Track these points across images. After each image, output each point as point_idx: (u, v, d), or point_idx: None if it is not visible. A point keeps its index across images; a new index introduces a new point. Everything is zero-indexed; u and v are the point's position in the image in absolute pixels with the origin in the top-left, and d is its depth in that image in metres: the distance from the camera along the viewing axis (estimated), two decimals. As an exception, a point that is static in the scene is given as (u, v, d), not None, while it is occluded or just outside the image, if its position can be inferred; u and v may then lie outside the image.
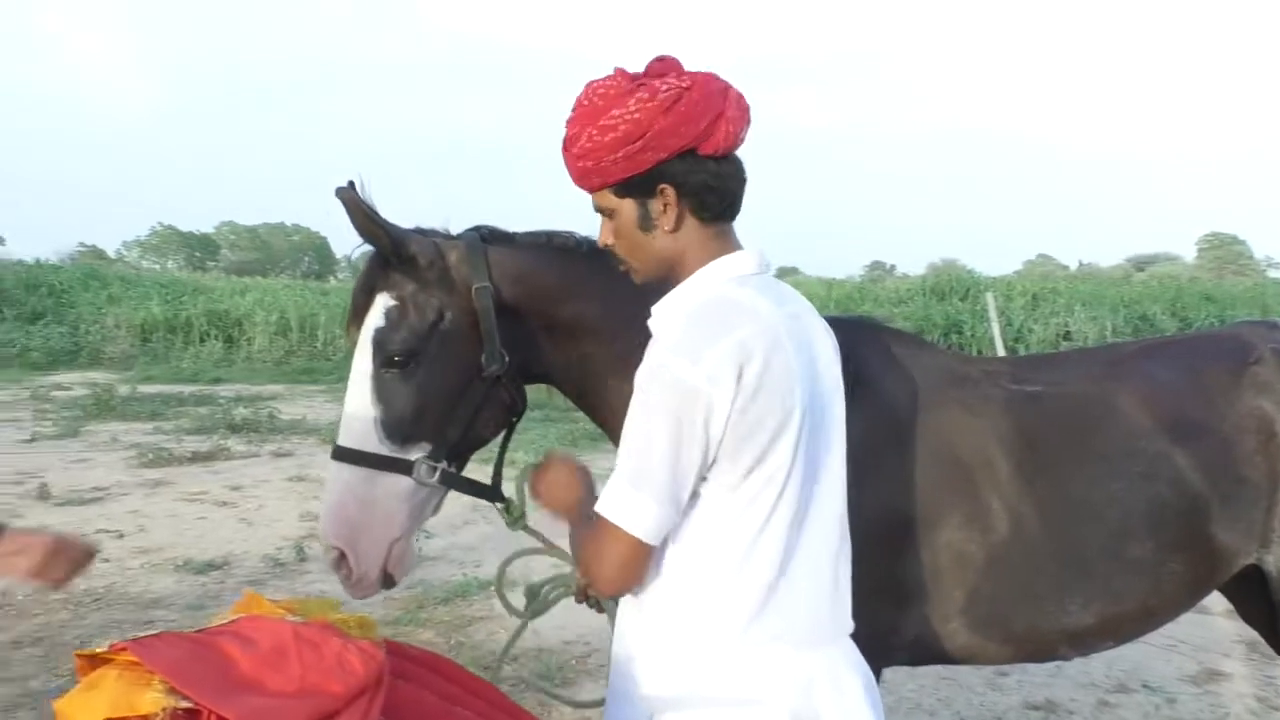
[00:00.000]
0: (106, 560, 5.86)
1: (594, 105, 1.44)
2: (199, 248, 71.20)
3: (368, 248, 1.79)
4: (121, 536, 6.35)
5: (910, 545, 1.85)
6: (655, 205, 1.45)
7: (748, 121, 1.46)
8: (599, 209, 1.52)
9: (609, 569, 1.35)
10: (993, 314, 14.11)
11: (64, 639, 4.60)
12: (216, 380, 15.12)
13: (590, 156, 1.44)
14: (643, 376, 1.35)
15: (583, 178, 1.49)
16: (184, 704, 1.03)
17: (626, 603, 1.45)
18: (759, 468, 1.33)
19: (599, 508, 1.36)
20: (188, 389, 13.75)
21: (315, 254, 71.26)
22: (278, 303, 20.34)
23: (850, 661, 1.45)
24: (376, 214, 1.72)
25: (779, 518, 1.35)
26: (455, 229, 1.88)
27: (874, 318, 2.27)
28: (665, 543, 1.36)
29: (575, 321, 1.83)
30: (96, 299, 21.14)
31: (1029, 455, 1.91)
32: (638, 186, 1.44)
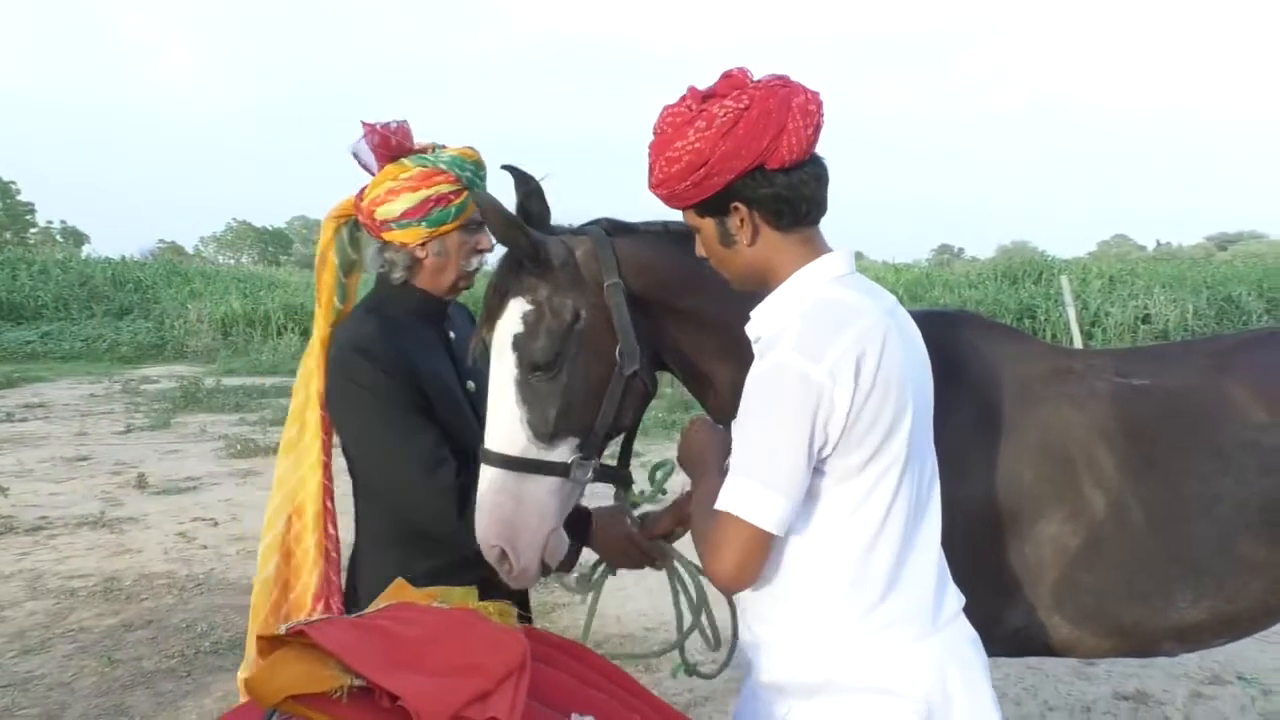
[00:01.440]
0: (205, 547, 6.13)
1: (664, 134, 1.51)
2: (272, 242, 72.97)
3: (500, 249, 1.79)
4: (216, 524, 6.63)
5: (1014, 537, 1.87)
6: (732, 222, 1.51)
7: (816, 126, 1.48)
8: (689, 226, 1.60)
9: (730, 561, 1.38)
10: (1068, 297, 13.77)
11: (171, 622, 4.83)
12: (294, 372, 15.49)
13: (664, 186, 1.51)
14: (762, 373, 1.40)
15: (667, 203, 1.56)
16: (358, 682, 1.12)
17: (748, 597, 1.50)
18: (876, 459, 1.39)
19: (720, 503, 1.39)
20: (268, 381, 14.19)
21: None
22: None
23: (969, 638, 1.51)
24: (516, 218, 1.73)
25: (897, 507, 1.41)
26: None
27: (975, 313, 2.28)
28: (785, 536, 1.41)
29: (694, 310, 1.85)
30: (179, 294, 21.86)
31: (1136, 450, 1.90)
32: (712, 207, 1.51)
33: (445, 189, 1.98)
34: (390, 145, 2.02)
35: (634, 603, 4.87)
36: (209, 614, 4.91)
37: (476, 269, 2.07)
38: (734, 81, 1.49)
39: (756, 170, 1.45)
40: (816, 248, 1.53)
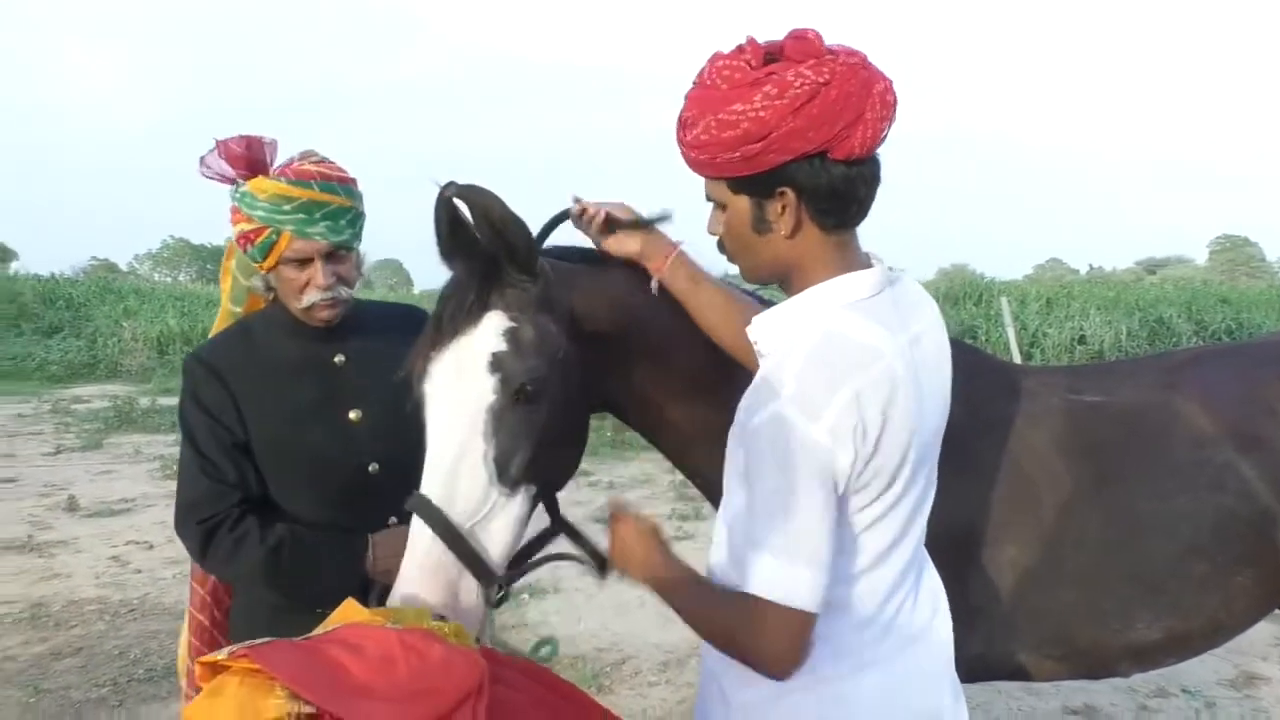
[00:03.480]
0: (139, 571, 5.91)
1: (716, 90, 1.30)
2: (210, 260, 71.44)
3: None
4: (151, 548, 6.40)
5: (974, 561, 1.82)
6: (773, 207, 1.33)
7: (892, 120, 1.32)
8: (710, 198, 1.41)
9: (781, 649, 1.25)
10: (1008, 318, 14.05)
11: (102, 649, 4.64)
12: (234, 391, 15.14)
13: (705, 149, 1.32)
14: (764, 425, 1.24)
15: (698, 166, 1.37)
16: (306, 709, 1.06)
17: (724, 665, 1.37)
18: (872, 506, 1.29)
19: (755, 588, 1.23)
20: (206, 400, 13.79)
21: (326, 265, 71.35)
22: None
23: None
24: (514, 213, 1.46)
25: (887, 548, 1.34)
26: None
27: None
28: None
29: (659, 348, 1.68)
30: (113, 312, 21.22)
31: (1092, 468, 1.88)
32: (755, 185, 1.32)
33: (245, 227, 1.87)
34: (235, 160, 1.90)
35: (585, 622, 4.80)
36: (143, 640, 4.73)
37: (326, 301, 1.91)
38: (809, 46, 1.29)
39: (817, 156, 1.28)
40: (848, 259, 1.36)
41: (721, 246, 1.45)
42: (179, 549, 6.67)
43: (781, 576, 1.22)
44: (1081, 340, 16.58)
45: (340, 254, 1.92)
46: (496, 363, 1.47)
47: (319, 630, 1.27)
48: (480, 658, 1.26)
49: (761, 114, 1.25)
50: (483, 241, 1.46)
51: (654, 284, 1.65)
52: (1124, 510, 1.87)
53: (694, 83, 1.36)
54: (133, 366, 17.76)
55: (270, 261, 1.89)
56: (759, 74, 1.28)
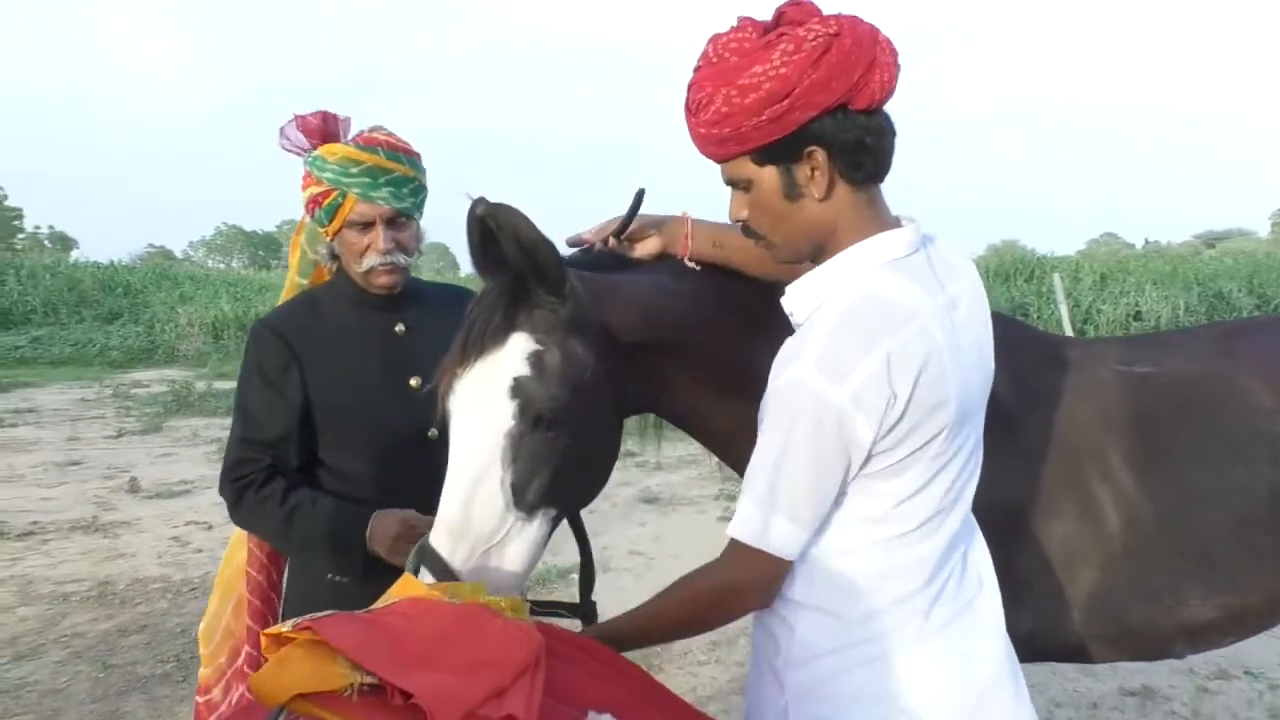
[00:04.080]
0: (199, 551, 6.07)
1: (727, 62, 1.29)
2: (262, 246, 72.78)
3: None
4: (210, 528, 6.56)
5: (1022, 537, 1.79)
6: (802, 171, 1.31)
7: (899, 68, 1.32)
8: (731, 181, 1.38)
9: (747, 584, 1.33)
10: (1060, 295, 13.81)
11: (165, 626, 4.78)
12: (287, 375, 15.42)
13: (728, 122, 1.29)
14: (781, 388, 1.26)
15: (718, 145, 1.34)
16: (368, 680, 1.08)
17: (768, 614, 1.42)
18: (910, 473, 1.29)
19: (731, 530, 1.31)
20: (260, 384, 14.06)
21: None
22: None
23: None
24: (541, 233, 1.41)
25: (931, 518, 1.33)
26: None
27: None
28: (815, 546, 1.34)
29: (709, 354, 1.63)
30: (169, 298, 21.72)
31: (1143, 441, 1.83)
32: (782, 151, 1.30)
33: (314, 190, 1.98)
34: (310, 131, 2.03)
35: (634, 602, 4.82)
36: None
37: (385, 266, 1.99)
38: (808, 8, 1.30)
39: (839, 109, 1.28)
40: (880, 217, 1.35)
41: (748, 230, 1.42)
42: (235, 530, 6.85)
43: (762, 524, 1.28)
44: (1137, 316, 16.23)
45: (401, 221, 2.00)
46: (517, 388, 1.43)
47: (378, 604, 1.29)
48: (536, 632, 1.27)
49: (783, 70, 1.24)
50: (511, 261, 1.43)
51: (691, 264, 1.65)
52: (1175, 484, 1.83)
53: (697, 66, 1.34)
54: (189, 351, 18.18)
55: (336, 225, 1.98)
56: (769, 37, 1.28)
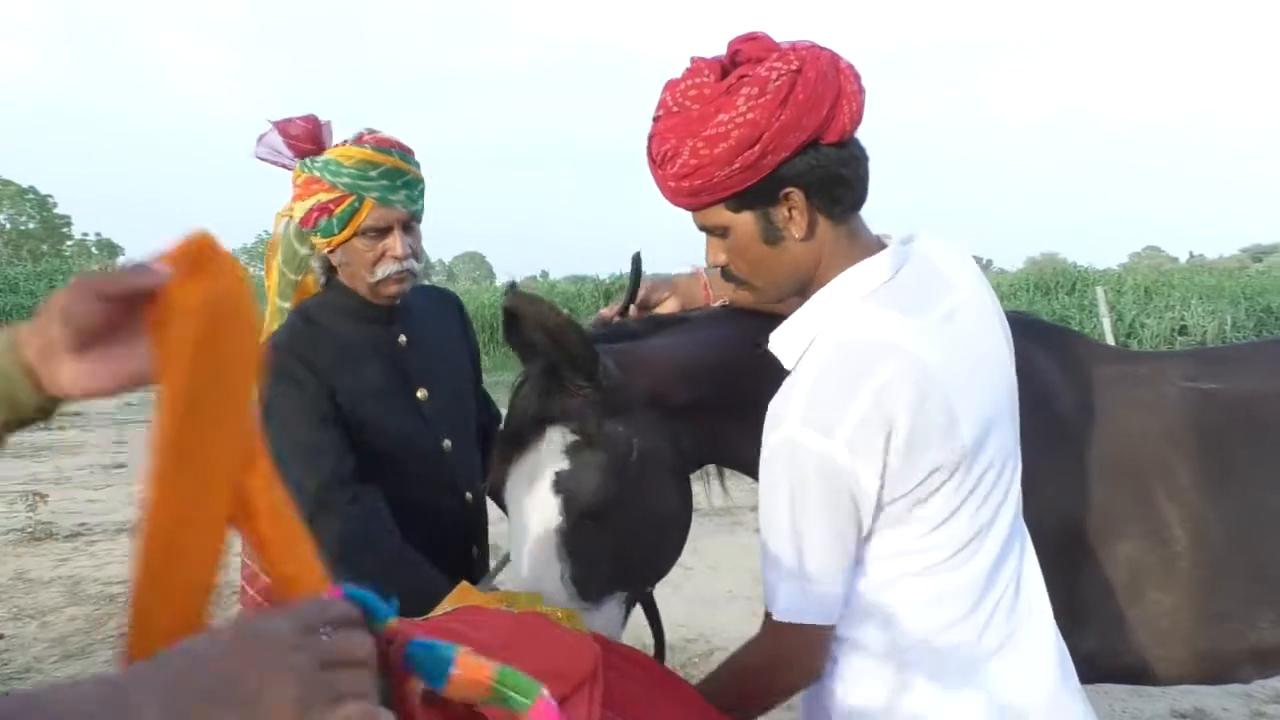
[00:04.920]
0: (237, 555, 6.12)
1: (689, 112, 1.24)
2: (301, 254, 73.65)
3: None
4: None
5: (1084, 557, 1.75)
6: (780, 213, 1.27)
7: (864, 92, 1.26)
8: (705, 228, 1.34)
9: (808, 663, 1.31)
10: (1103, 309, 13.63)
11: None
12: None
13: (699, 174, 1.24)
14: (776, 448, 1.22)
15: (690, 197, 1.29)
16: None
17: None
18: (934, 502, 1.24)
19: (776, 613, 1.28)
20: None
21: (411, 258, 73.48)
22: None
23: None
24: (573, 321, 1.39)
25: (969, 542, 1.29)
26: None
27: (1033, 315, 2.16)
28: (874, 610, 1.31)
29: (731, 397, 1.57)
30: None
31: (1212, 460, 1.79)
32: (757, 195, 1.26)
33: (325, 197, 1.83)
34: (291, 140, 1.91)
35: (672, 613, 4.81)
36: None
37: (398, 274, 1.89)
38: (764, 43, 1.24)
39: (810, 146, 1.23)
40: (860, 247, 1.31)
41: (728, 274, 1.38)
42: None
43: (798, 599, 1.25)
44: (1183, 330, 16.01)
45: (413, 226, 1.92)
46: (559, 483, 1.41)
47: (436, 611, 1.29)
48: (594, 644, 1.26)
49: (750, 115, 1.20)
50: (540, 349, 1.41)
51: (719, 305, 1.64)
52: (1246, 504, 1.78)
53: (657, 116, 1.29)
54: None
55: (347, 233, 1.85)
56: (730, 80, 1.22)
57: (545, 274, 31.69)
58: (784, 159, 1.23)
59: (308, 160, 1.89)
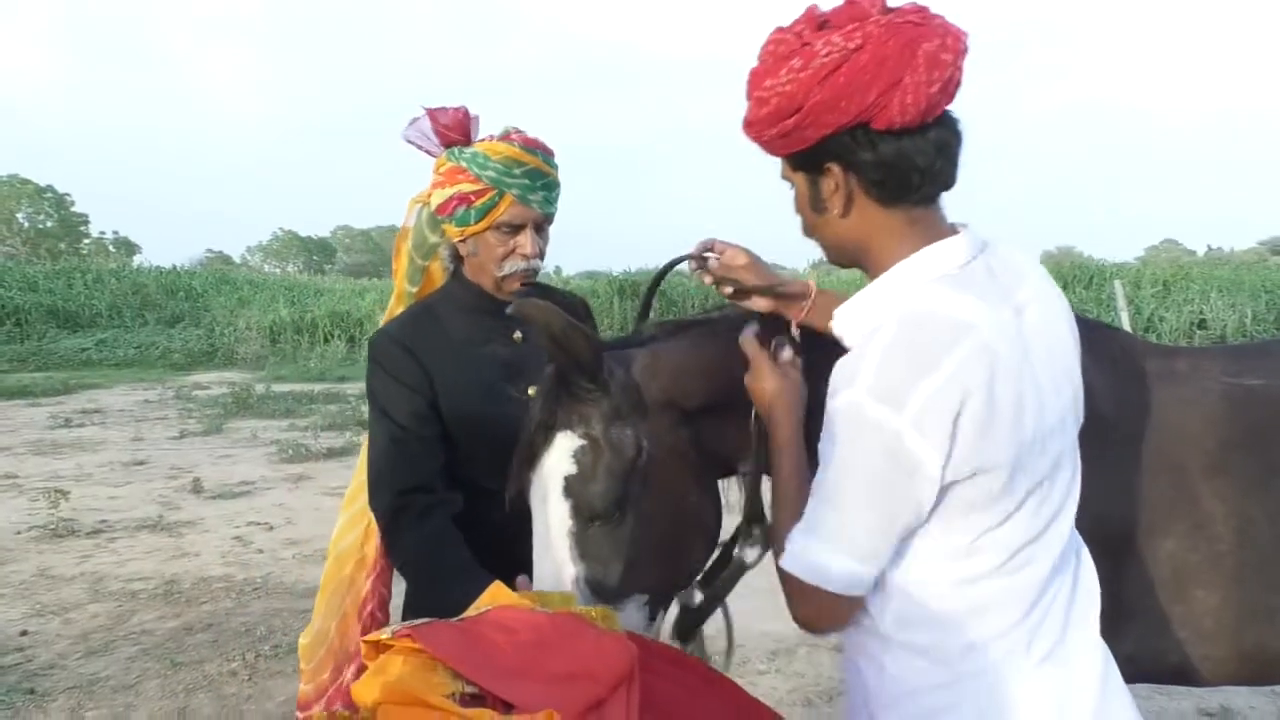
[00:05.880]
0: (260, 551, 6.16)
1: (760, 66, 1.25)
2: (317, 251, 74.08)
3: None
4: (271, 529, 6.66)
5: (1127, 555, 1.71)
6: (825, 185, 1.27)
7: (946, 81, 1.19)
8: (782, 176, 1.36)
9: (807, 616, 1.27)
10: (1121, 303, 13.49)
11: (230, 625, 4.85)
12: (342, 379, 15.67)
13: (750, 129, 1.28)
14: (836, 413, 1.17)
15: (758, 144, 1.32)
16: (469, 689, 1.07)
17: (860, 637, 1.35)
18: (994, 501, 1.21)
19: (783, 560, 1.25)
20: (316, 387, 14.32)
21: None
22: (396, 303, 20.98)
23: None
24: (577, 325, 1.42)
25: (1025, 546, 1.26)
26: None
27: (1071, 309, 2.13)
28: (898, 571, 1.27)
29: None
30: (228, 302, 22.23)
31: (1256, 457, 1.75)
32: (805, 162, 1.28)
33: (467, 188, 1.89)
34: (441, 129, 1.97)
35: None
36: (268, 618, 4.92)
37: (524, 272, 1.95)
38: (856, 9, 1.21)
39: (859, 128, 1.20)
40: (928, 231, 1.26)
41: (806, 232, 1.39)
42: (298, 530, 6.94)
43: (814, 559, 1.21)
44: (1202, 324, 15.86)
45: (544, 227, 1.97)
46: (568, 487, 1.45)
47: (470, 611, 1.29)
48: (630, 643, 1.25)
49: (787, 88, 1.20)
50: (548, 355, 1.44)
51: (794, 330, 1.59)
52: None
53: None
54: (247, 354, 18.56)
55: (483, 225, 1.90)
56: (795, 46, 1.21)
57: (559, 269, 31.64)
58: (825, 135, 1.22)
59: (455, 150, 1.95)
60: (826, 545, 1.21)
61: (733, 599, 1.72)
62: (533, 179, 1.89)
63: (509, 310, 1.46)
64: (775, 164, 1.36)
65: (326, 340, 19.28)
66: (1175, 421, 1.78)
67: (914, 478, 1.15)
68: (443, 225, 1.99)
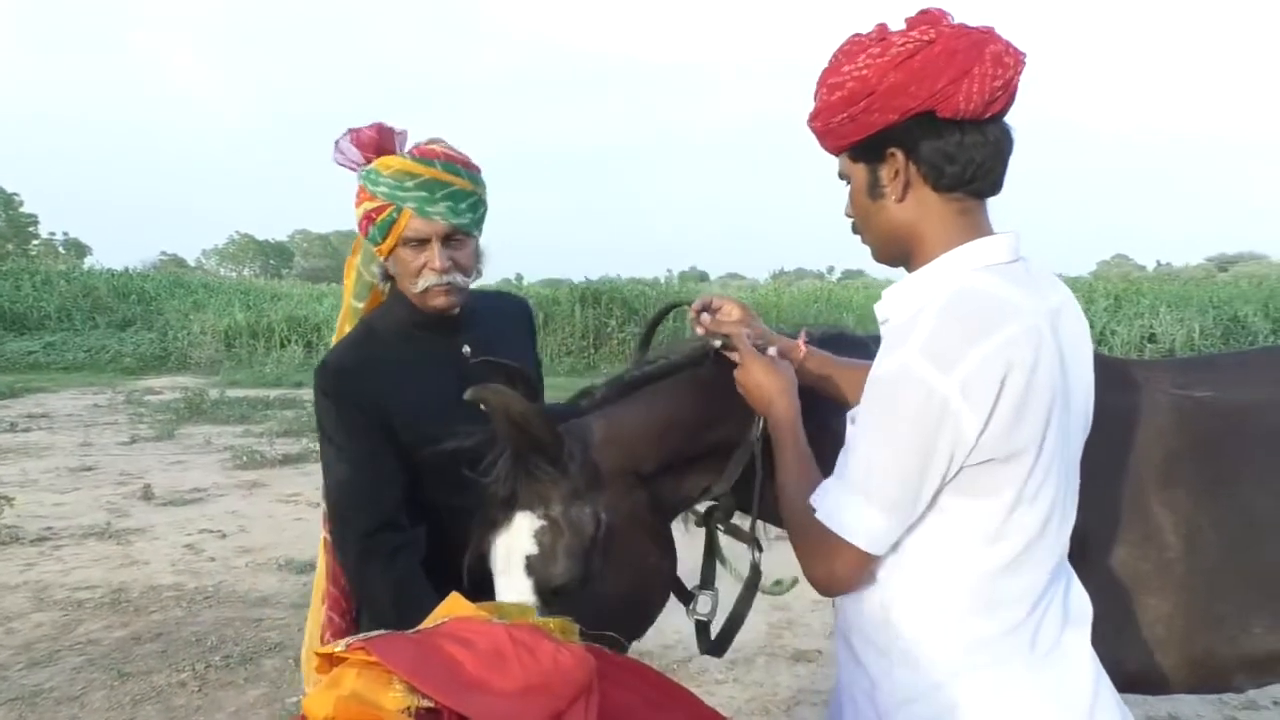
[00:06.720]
0: (212, 560, 6.04)
1: (835, 60, 1.33)
2: (274, 255, 73.15)
3: None
4: (224, 536, 6.54)
5: (1084, 563, 1.69)
6: (885, 171, 1.34)
7: (1008, 81, 1.27)
8: (839, 175, 1.43)
9: (825, 575, 1.30)
10: (1076, 316, 13.77)
11: (180, 635, 4.74)
12: (299, 384, 15.41)
13: (820, 117, 1.35)
14: (883, 375, 1.22)
15: (821, 139, 1.40)
16: (424, 703, 1.05)
17: (856, 622, 1.39)
18: (1018, 483, 1.25)
19: (819, 512, 1.29)
20: (272, 393, 14.09)
21: (385, 260, 73.09)
22: (354, 308, 20.74)
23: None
24: (534, 409, 1.51)
25: (1036, 538, 1.30)
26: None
27: None
28: (910, 557, 1.31)
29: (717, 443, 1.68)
30: (182, 305, 21.83)
31: (1206, 467, 1.80)
32: (868, 150, 1.34)
33: (369, 206, 1.87)
34: (364, 144, 1.94)
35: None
36: (219, 627, 4.83)
37: (442, 287, 1.90)
38: (929, 16, 1.31)
39: (925, 115, 1.28)
40: (977, 226, 1.33)
41: (853, 226, 1.45)
42: (251, 538, 6.81)
43: (850, 512, 1.25)
44: (1152, 338, 16.16)
45: (458, 239, 1.91)
46: (530, 566, 1.52)
47: (427, 623, 1.27)
48: (589, 655, 1.24)
49: (863, 71, 1.27)
50: (507, 439, 1.50)
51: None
52: (1239, 510, 1.79)
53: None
54: (201, 359, 18.22)
55: (390, 242, 1.88)
56: (874, 39, 1.30)
57: (520, 277, 31.51)
58: (892, 120, 1.29)
59: (362, 169, 1.93)
60: (857, 496, 1.25)
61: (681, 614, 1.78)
62: (431, 190, 1.84)
63: (465, 396, 1.50)
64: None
65: (283, 345, 18.98)
66: (1129, 430, 1.82)
67: (953, 439, 1.19)
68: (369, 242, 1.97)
